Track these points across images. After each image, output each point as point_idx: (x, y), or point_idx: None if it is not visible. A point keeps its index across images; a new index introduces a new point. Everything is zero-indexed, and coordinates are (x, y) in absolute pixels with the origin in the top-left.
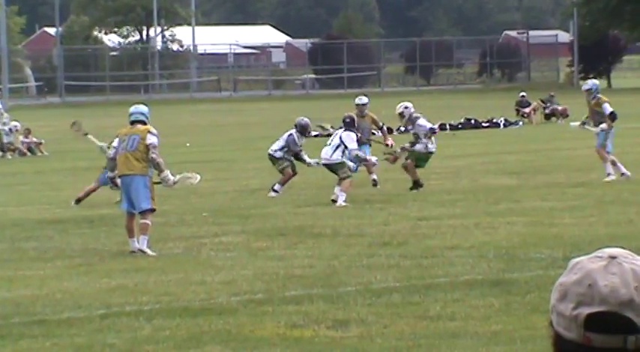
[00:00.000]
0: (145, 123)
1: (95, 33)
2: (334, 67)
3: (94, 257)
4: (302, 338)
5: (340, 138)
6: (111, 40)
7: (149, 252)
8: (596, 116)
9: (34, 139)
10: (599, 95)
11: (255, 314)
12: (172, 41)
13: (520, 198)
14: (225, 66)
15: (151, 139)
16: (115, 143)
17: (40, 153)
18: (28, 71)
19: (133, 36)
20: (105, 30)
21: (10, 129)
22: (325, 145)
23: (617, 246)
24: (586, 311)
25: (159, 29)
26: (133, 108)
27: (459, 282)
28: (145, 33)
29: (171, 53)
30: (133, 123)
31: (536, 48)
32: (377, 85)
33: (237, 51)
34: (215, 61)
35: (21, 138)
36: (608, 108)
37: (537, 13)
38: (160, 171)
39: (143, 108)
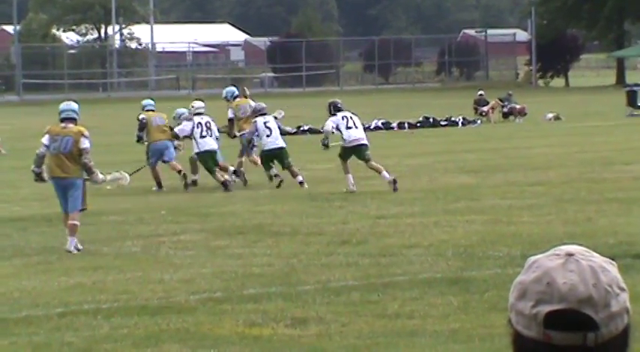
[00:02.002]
0: (75, 121)
1: (53, 31)
2: (293, 65)
3: (52, 255)
4: (260, 337)
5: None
6: (69, 38)
7: (74, 251)
8: None
9: None
10: None
11: (214, 313)
12: (131, 39)
13: (479, 197)
14: (184, 64)
15: (85, 144)
16: (45, 140)
17: (2, 151)
18: None
19: (92, 34)
20: (63, 28)
21: None
22: (348, 128)
23: (574, 244)
24: (545, 309)
25: (117, 27)
26: (63, 105)
27: (417, 281)
28: (103, 31)
29: (129, 51)
30: (63, 120)
31: (495, 46)
32: (336, 83)
33: (195, 49)
34: (174, 59)
35: None
36: None
37: (495, 11)
38: (91, 173)
39: (74, 105)
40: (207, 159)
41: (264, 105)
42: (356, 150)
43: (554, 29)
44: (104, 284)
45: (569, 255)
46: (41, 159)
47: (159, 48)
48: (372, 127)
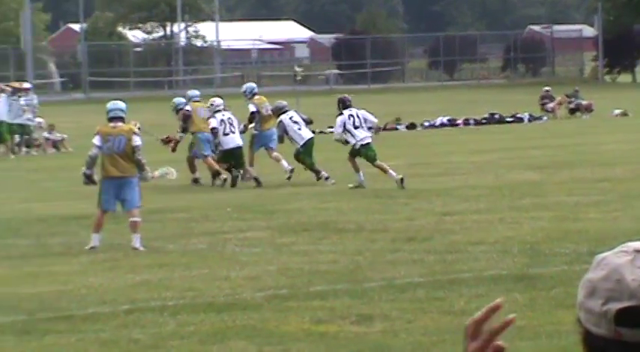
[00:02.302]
0: (123, 120)
1: (119, 29)
2: (358, 62)
3: (118, 252)
4: (326, 334)
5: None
6: (135, 36)
7: (142, 248)
8: None
9: (58, 135)
10: None
11: (280, 310)
12: (196, 37)
13: (545, 193)
14: (249, 61)
15: (137, 141)
16: (97, 141)
17: (64, 149)
18: (53, 67)
19: (157, 32)
20: (129, 26)
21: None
22: (355, 127)
23: None
24: (616, 306)
25: (183, 25)
26: (111, 105)
27: (483, 277)
28: (169, 29)
29: (195, 49)
30: (112, 119)
31: (561, 42)
32: (401, 80)
33: (260, 46)
34: (239, 56)
35: (45, 134)
36: None
37: (562, 7)
38: (142, 170)
39: (121, 104)
40: (234, 156)
41: (285, 102)
42: (361, 150)
43: (621, 25)
44: (170, 281)
45: (638, 251)
46: (94, 160)
47: (224, 45)
48: (437, 124)
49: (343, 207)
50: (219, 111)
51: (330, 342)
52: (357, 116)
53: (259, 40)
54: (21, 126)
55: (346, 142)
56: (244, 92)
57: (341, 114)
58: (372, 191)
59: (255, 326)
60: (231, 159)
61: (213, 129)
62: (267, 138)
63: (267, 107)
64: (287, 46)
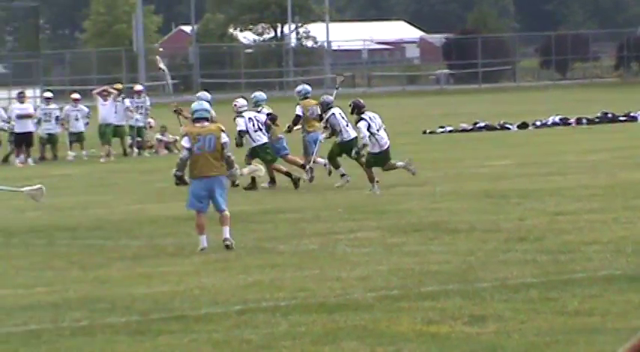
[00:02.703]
0: (208, 120)
1: (230, 30)
2: (469, 61)
3: (230, 253)
4: (438, 334)
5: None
6: (246, 37)
7: (232, 242)
8: None
9: (170, 137)
10: None
11: (391, 310)
12: (307, 38)
13: None
14: (360, 62)
15: (225, 138)
16: (186, 142)
17: (176, 151)
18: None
19: (268, 33)
20: (240, 27)
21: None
22: (378, 130)
23: None
24: None
25: (293, 26)
26: (196, 105)
27: (596, 278)
28: (279, 30)
29: (305, 50)
30: (197, 120)
31: None
32: (512, 79)
33: (371, 47)
34: (349, 57)
35: (157, 135)
36: None
37: None
38: (232, 167)
39: (206, 104)
40: (266, 152)
41: (332, 97)
42: (381, 157)
43: None
44: (282, 281)
45: None
46: (185, 162)
47: (334, 46)
48: (549, 123)
49: (454, 208)
50: (243, 111)
51: (442, 343)
52: (373, 119)
53: (369, 41)
54: (131, 127)
55: (359, 154)
56: (299, 92)
57: (362, 119)
58: (483, 191)
59: (367, 327)
60: (257, 155)
61: (241, 131)
62: (313, 139)
63: (313, 110)
64: (397, 46)
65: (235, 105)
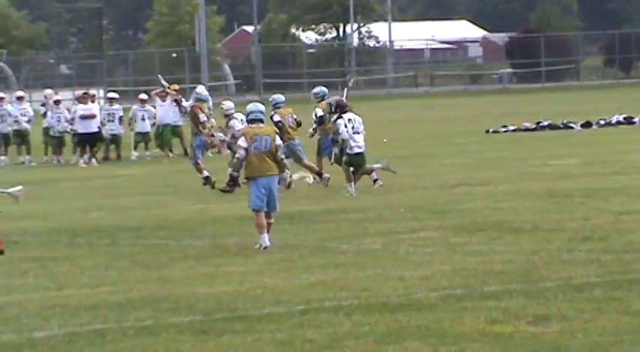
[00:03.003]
0: (262, 122)
1: (293, 30)
2: (531, 60)
3: (294, 253)
4: (502, 334)
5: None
6: (308, 37)
7: (269, 245)
8: None
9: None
10: None
11: (455, 310)
12: (369, 37)
13: None
14: (422, 61)
15: (279, 140)
16: (243, 142)
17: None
18: (227, 69)
19: (330, 33)
20: (302, 27)
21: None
22: (355, 133)
23: None
24: None
25: (355, 26)
26: (252, 107)
27: None
28: (341, 30)
29: (367, 49)
30: (253, 121)
31: None
32: (575, 78)
33: (433, 46)
34: (411, 56)
35: (220, 135)
36: None
37: None
38: (283, 171)
39: (261, 106)
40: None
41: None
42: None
43: None
44: (345, 281)
45: None
46: (241, 162)
47: (396, 45)
48: (613, 122)
49: (518, 207)
50: (232, 114)
51: (506, 343)
52: (352, 121)
53: (432, 40)
54: None
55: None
56: (316, 93)
57: (340, 117)
58: (546, 190)
59: (430, 327)
60: None
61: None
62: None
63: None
64: (460, 45)
65: (222, 108)
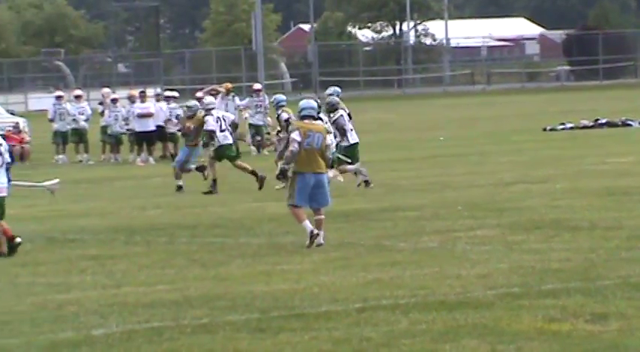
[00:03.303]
0: (314, 118)
1: (349, 28)
2: (589, 58)
3: (350, 251)
4: (560, 332)
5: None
6: (364, 35)
7: (324, 242)
8: None
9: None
10: None
11: (512, 308)
12: (425, 35)
13: None
14: (479, 59)
15: (328, 140)
16: (297, 136)
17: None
18: (284, 68)
19: (387, 31)
20: (359, 25)
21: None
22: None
23: None
24: None
25: (412, 23)
26: (305, 103)
27: None
28: (398, 27)
29: (424, 47)
30: (305, 117)
31: None
32: (634, 75)
33: (490, 44)
34: (468, 54)
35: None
36: None
37: None
38: (329, 169)
39: (313, 103)
40: (231, 150)
41: (337, 99)
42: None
43: None
44: (402, 279)
45: None
46: (295, 156)
47: (453, 43)
48: None
49: (575, 205)
50: (212, 109)
51: (564, 341)
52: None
53: (489, 38)
54: (250, 126)
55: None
56: (336, 93)
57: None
58: (604, 188)
59: (487, 325)
60: (224, 156)
61: (211, 132)
62: None
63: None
64: (517, 42)
65: (203, 102)
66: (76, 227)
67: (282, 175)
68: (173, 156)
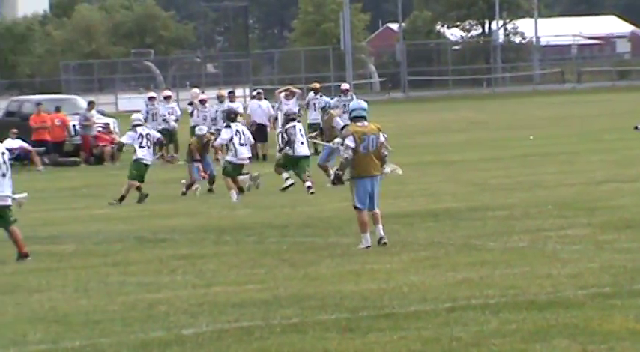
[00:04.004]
0: (366, 119)
1: (437, 27)
2: None
3: (439, 250)
4: None
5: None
6: (453, 34)
7: (385, 237)
8: None
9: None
10: None
11: (603, 308)
12: (515, 34)
13: None
14: (569, 57)
15: (382, 137)
16: (350, 142)
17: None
18: (372, 67)
19: (476, 30)
20: (447, 24)
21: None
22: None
23: None
24: None
25: (501, 22)
26: (356, 104)
27: None
28: (487, 26)
29: (513, 46)
30: (356, 119)
31: None
32: None
33: (580, 42)
34: (558, 52)
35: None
36: None
37: None
38: (383, 166)
39: (364, 104)
40: (140, 168)
41: (297, 109)
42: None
43: None
44: (491, 279)
45: None
46: (349, 162)
47: (543, 42)
48: None
49: None
50: (138, 125)
51: None
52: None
53: (579, 36)
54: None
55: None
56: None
57: (228, 126)
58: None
59: (578, 325)
60: (143, 172)
61: (121, 143)
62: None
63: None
64: (607, 40)
65: (132, 117)
66: (166, 227)
67: (337, 180)
68: (264, 156)
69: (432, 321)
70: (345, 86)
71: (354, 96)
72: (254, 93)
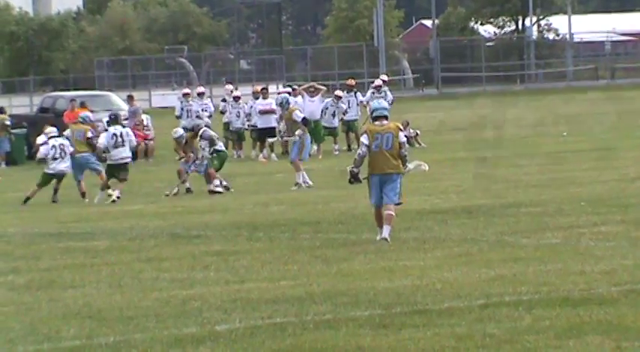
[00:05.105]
0: (387, 118)
1: (471, 24)
2: None
3: (473, 247)
4: None
5: None
6: (487, 30)
7: (388, 239)
8: None
9: (412, 131)
10: None
11: (637, 305)
12: (548, 30)
13: None
14: (602, 54)
15: (403, 137)
16: (365, 139)
17: (417, 145)
18: (405, 64)
19: (509, 26)
20: (481, 21)
21: None
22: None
23: None
24: None
25: (534, 19)
26: (377, 104)
27: None
28: (520, 23)
29: (547, 42)
30: (377, 118)
31: None
32: None
33: (614, 38)
34: (592, 49)
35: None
36: None
37: None
38: (404, 164)
39: (385, 103)
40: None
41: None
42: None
43: None
44: (525, 275)
45: None
46: (362, 159)
47: (576, 38)
48: None
49: None
50: (52, 137)
51: None
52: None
53: (613, 32)
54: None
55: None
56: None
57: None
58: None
59: (612, 322)
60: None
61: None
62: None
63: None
64: None
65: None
66: (199, 223)
67: (353, 179)
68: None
69: (465, 318)
70: (377, 82)
71: (388, 92)
72: (288, 89)
